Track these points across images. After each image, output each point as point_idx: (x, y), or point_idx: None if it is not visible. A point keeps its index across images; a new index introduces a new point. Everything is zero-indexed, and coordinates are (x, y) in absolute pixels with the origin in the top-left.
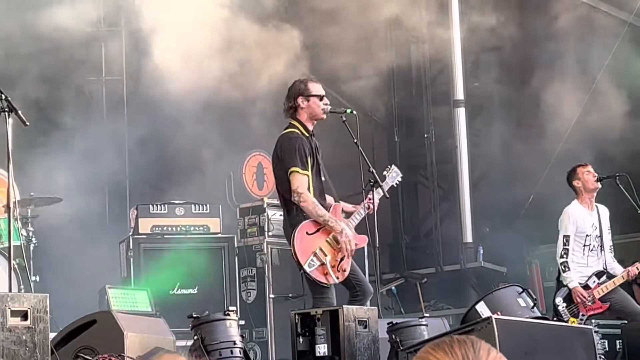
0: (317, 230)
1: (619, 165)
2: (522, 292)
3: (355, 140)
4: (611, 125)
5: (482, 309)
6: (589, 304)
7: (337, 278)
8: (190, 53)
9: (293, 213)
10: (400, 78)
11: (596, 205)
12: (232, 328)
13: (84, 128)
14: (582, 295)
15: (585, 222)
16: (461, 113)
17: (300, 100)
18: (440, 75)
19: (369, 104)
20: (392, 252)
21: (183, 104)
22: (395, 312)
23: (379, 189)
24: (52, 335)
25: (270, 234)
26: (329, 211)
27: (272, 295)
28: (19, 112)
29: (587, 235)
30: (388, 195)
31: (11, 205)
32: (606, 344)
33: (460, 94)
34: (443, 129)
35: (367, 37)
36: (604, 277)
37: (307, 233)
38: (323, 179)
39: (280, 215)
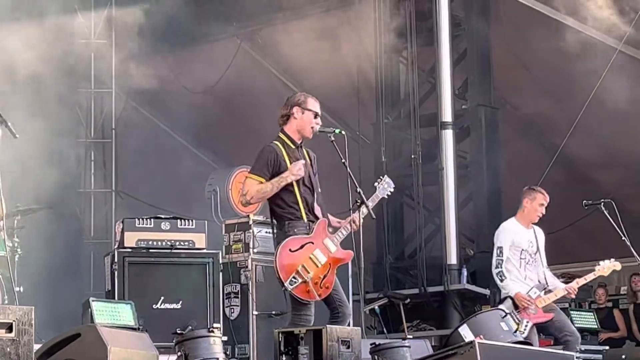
0: (301, 247)
1: (605, 191)
2: (505, 316)
3: (343, 160)
4: (598, 151)
5: (465, 332)
6: (532, 311)
7: (320, 295)
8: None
9: (279, 230)
10: (388, 99)
11: (533, 226)
12: (216, 345)
13: (74, 139)
14: (525, 299)
15: (521, 237)
16: (448, 135)
17: (295, 109)
18: (429, 96)
19: (357, 123)
20: (376, 272)
21: (172, 118)
22: (378, 332)
23: (369, 203)
24: (35, 347)
25: (255, 250)
26: (314, 225)
27: (255, 312)
28: (9, 124)
29: (522, 249)
30: (374, 216)
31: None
32: None
33: (448, 116)
34: (430, 150)
35: (358, 58)
36: (544, 291)
37: (290, 250)
38: (315, 192)
39: (266, 232)
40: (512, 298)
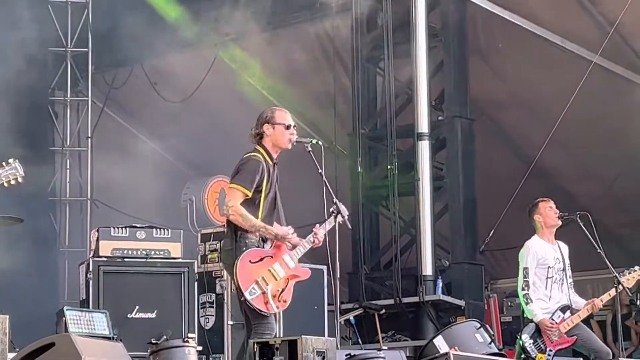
0: (261, 260)
1: (580, 203)
2: (479, 327)
3: (320, 171)
4: (573, 163)
5: (440, 343)
6: (555, 338)
7: (277, 308)
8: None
9: (238, 238)
10: (365, 109)
11: (557, 242)
12: (190, 355)
13: (49, 148)
14: (549, 326)
15: (546, 254)
16: (425, 146)
17: (265, 127)
18: (405, 107)
19: (333, 134)
20: (351, 283)
21: (148, 126)
22: (353, 343)
23: (326, 224)
24: (10, 356)
25: None
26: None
27: (230, 322)
28: None
29: (549, 267)
30: (350, 227)
31: None
32: None
33: (424, 127)
34: (406, 161)
35: (334, 68)
36: (568, 312)
37: (250, 261)
38: (277, 208)
39: None
40: (536, 323)
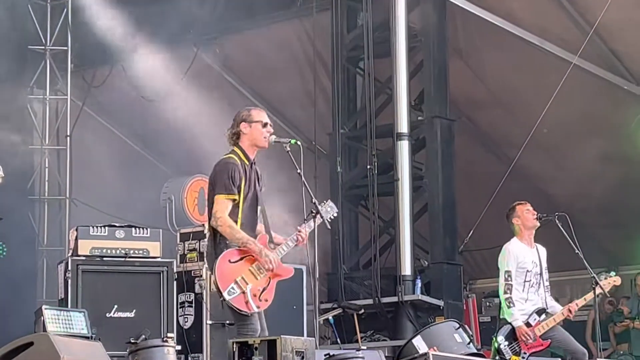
0: (241, 259)
1: (558, 204)
2: (458, 327)
3: (298, 171)
4: (552, 164)
5: (419, 344)
6: (531, 341)
7: (258, 307)
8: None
9: (217, 240)
10: (345, 109)
11: (535, 244)
12: (169, 355)
13: (28, 146)
14: (525, 333)
15: (525, 257)
16: (404, 146)
17: (242, 126)
18: (385, 107)
19: (313, 133)
20: (330, 282)
21: (127, 125)
22: (332, 342)
23: (311, 222)
24: None
25: None
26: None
27: (209, 322)
28: None
29: (527, 270)
30: (329, 226)
31: None
32: None
33: (404, 127)
34: (386, 161)
35: (315, 68)
36: (544, 315)
37: (229, 261)
38: (259, 208)
39: None
40: (513, 327)
